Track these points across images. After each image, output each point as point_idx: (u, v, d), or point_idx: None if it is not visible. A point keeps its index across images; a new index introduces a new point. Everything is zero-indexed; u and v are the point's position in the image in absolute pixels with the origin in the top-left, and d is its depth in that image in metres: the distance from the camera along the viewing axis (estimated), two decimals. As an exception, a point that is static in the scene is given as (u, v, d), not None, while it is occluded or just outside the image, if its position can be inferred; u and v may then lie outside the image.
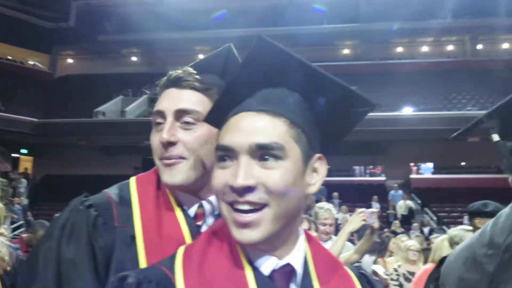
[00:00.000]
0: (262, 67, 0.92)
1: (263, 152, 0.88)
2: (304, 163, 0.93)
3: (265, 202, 0.88)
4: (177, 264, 0.94)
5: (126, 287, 0.89)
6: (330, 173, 22.72)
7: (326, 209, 3.85)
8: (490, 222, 1.20)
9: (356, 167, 23.11)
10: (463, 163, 22.64)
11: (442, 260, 1.35)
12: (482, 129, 1.24)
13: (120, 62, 29.64)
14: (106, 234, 1.14)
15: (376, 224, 3.37)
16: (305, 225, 3.32)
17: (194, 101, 1.21)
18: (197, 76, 1.23)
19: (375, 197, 17.00)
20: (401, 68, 25.34)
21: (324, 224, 3.76)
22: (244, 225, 0.88)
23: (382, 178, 21.98)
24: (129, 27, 26.42)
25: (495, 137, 1.19)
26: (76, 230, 1.14)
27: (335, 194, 16.99)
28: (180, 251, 0.98)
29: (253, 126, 0.90)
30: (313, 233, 3.36)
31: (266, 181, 0.87)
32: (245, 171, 0.87)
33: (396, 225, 14.23)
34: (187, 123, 1.19)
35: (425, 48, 29.46)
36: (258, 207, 0.88)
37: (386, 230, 12.60)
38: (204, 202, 1.23)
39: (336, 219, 5.73)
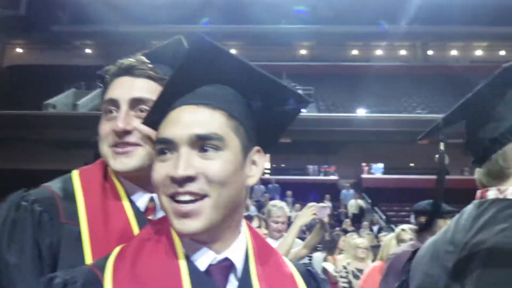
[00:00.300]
0: (201, 65, 0.94)
1: (203, 143, 0.89)
2: (243, 155, 0.95)
3: (206, 193, 0.89)
4: (109, 264, 0.93)
5: None
6: (284, 172, 23.05)
7: (279, 207, 3.88)
8: (455, 218, 1.23)
9: (310, 166, 23.47)
10: (411, 164, 23.45)
11: (414, 253, 1.38)
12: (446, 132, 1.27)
13: (73, 54, 28.68)
14: (53, 231, 1.09)
15: (326, 218, 3.42)
16: (255, 223, 3.34)
17: (150, 90, 1.19)
18: (151, 65, 1.21)
19: (328, 196, 17.31)
20: (356, 70, 25.96)
21: (277, 222, 3.79)
22: (185, 215, 0.88)
23: (335, 177, 22.42)
24: (84, 18, 25.61)
25: (442, 145, 1.21)
26: (18, 229, 1.08)
27: (289, 192, 17.19)
28: (116, 249, 0.97)
29: (193, 118, 0.91)
30: (263, 231, 3.38)
31: (206, 171, 0.88)
32: (185, 162, 0.88)
33: (347, 223, 14.57)
34: (142, 111, 1.17)
35: (379, 52, 30.27)
36: (198, 197, 0.88)
37: (337, 228, 12.87)
38: (155, 195, 1.19)
39: (289, 217, 5.81)
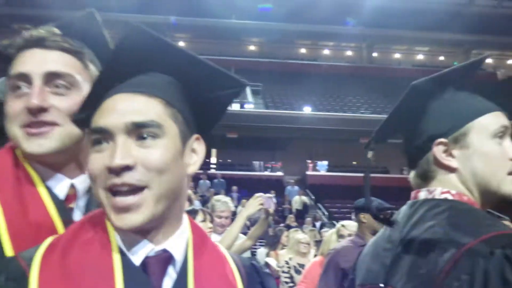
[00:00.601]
0: (135, 53, 0.91)
1: (140, 131, 0.86)
2: (183, 143, 0.92)
3: (145, 184, 0.85)
4: (37, 256, 0.87)
5: None
6: (230, 167, 23.07)
7: (223, 202, 3.87)
8: (393, 217, 1.32)
9: (256, 162, 23.63)
10: (354, 162, 24.16)
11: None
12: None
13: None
14: None
15: (271, 209, 3.42)
16: (200, 217, 3.29)
17: (66, 63, 1.09)
18: (64, 37, 1.11)
19: (273, 191, 17.49)
20: (303, 68, 26.39)
21: (220, 217, 3.77)
22: (124, 209, 0.84)
23: (280, 173, 22.70)
24: (23, 1, 24.37)
25: (370, 154, 1.32)
26: None
27: (234, 188, 17.23)
28: (47, 241, 0.91)
29: (129, 106, 0.88)
30: (208, 225, 3.34)
31: (145, 160, 0.85)
32: (122, 151, 0.84)
33: (290, 219, 14.79)
34: (58, 87, 1.07)
35: (326, 52, 30.91)
36: (137, 188, 0.84)
37: (281, 224, 13.04)
38: (76, 181, 1.12)
39: (234, 212, 5.82)
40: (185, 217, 0.99)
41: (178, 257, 0.93)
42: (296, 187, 19.15)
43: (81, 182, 1.13)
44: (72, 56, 1.11)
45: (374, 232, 3.37)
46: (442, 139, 1.20)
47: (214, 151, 25.74)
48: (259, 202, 3.29)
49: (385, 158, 17.39)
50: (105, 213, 0.88)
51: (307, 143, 23.12)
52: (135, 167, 0.84)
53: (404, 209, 1.28)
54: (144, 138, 0.86)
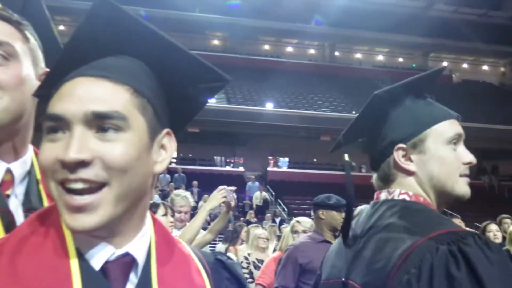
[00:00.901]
0: (103, 31, 0.80)
1: (102, 123, 0.75)
2: (150, 138, 0.82)
3: (104, 181, 0.75)
4: None
5: None
6: (191, 162, 22.91)
7: (183, 197, 3.82)
8: (357, 216, 1.40)
9: (217, 157, 23.57)
10: (314, 160, 24.50)
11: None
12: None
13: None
14: None
15: (233, 202, 3.41)
16: (161, 211, 3.24)
17: (5, 32, 0.99)
18: (3, 6, 1.03)
19: (233, 187, 17.49)
20: (266, 65, 26.50)
21: (180, 212, 3.73)
22: (78, 209, 0.74)
23: (241, 169, 22.74)
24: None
25: (346, 156, 1.38)
26: None
27: (195, 182, 17.13)
28: None
29: (90, 93, 0.77)
30: (169, 219, 3.29)
31: (104, 155, 0.74)
32: (78, 143, 0.73)
33: (251, 215, 14.85)
34: None
35: (289, 49, 31.13)
36: (94, 186, 0.74)
37: (241, 219, 13.08)
38: (13, 166, 1.01)
39: (194, 208, 5.78)
40: (148, 216, 0.90)
41: (141, 260, 0.84)
42: (256, 183, 19.23)
43: (19, 166, 1.03)
44: (10, 25, 1.01)
45: (332, 229, 3.43)
46: (401, 145, 1.27)
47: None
48: (222, 195, 3.28)
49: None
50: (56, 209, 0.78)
51: (269, 139, 23.24)
52: (93, 163, 0.74)
53: (366, 208, 1.35)
54: (105, 131, 0.76)
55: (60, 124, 0.76)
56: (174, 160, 23.18)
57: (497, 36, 27.17)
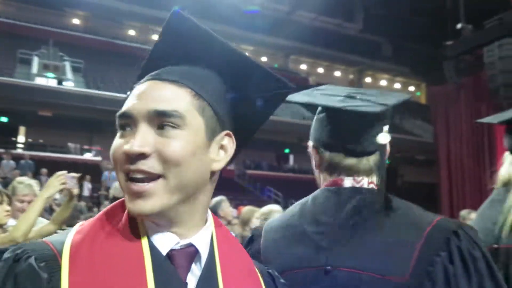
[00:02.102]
0: (177, 43, 0.92)
1: (162, 120, 0.85)
2: (208, 137, 0.90)
3: (159, 173, 0.84)
4: (67, 241, 0.86)
5: (3, 263, 0.83)
6: (41, 148, 21.12)
7: (27, 185, 3.44)
8: (306, 203, 1.36)
9: (72, 145, 22.08)
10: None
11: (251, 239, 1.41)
12: None
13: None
14: None
15: (76, 190, 3.15)
16: None
17: None
18: None
19: (88, 177, 16.57)
20: (131, 51, 25.44)
21: (22, 201, 3.36)
22: (137, 195, 0.84)
23: (98, 158, 21.62)
24: None
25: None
26: None
27: (44, 170, 15.73)
28: (75, 227, 0.91)
29: (155, 93, 0.87)
30: (5, 208, 2.96)
31: (161, 150, 0.84)
32: (141, 138, 0.83)
33: (105, 206, 14.23)
34: None
35: (155, 37, 30.37)
36: (151, 177, 0.84)
37: (95, 210, 12.44)
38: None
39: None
40: (210, 214, 0.98)
41: (203, 253, 0.91)
42: (114, 173, 18.43)
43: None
44: None
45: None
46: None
47: (22, 129, 23.30)
48: (61, 181, 3.01)
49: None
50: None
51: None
52: (151, 156, 0.84)
53: (324, 195, 1.32)
54: (164, 128, 0.85)
55: (129, 121, 0.87)
56: (21, 146, 21.22)
57: (349, 46, 29.85)
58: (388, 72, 34.11)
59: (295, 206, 1.40)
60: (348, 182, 1.31)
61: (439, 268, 1.13)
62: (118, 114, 0.89)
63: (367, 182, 1.31)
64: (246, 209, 5.08)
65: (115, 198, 16.47)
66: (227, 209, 5.23)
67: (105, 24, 27.31)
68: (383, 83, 35.60)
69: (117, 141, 0.88)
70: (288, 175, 25.82)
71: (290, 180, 23.83)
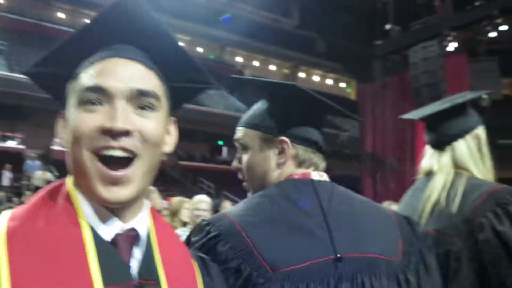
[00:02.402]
0: (124, 21, 0.90)
1: (141, 100, 0.86)
2: (167, 121, 0.94)
3: (138, 152, 0.85)
4: (1, 229, 0.81)
5: None
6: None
7: None
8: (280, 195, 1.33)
9: (-9, 131, 20.77)
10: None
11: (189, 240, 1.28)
12: None
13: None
14: None
15: None
16: None
17: None
18: None
19: (9, 165, 15.68)
20: (60, 35, 24.22)
21: None
22: (114, 182, 0.83)
23: (20, 146, 20.47)
24: None
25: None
26: None
27: (-40, 158, 14.76)
28: (5, 213, 0.86)
29: (133, 73, 0.88)
30: None
31: (142, 129, 0.85)
32: (123, 115, 0.83)
33: (27, 196, 13.55)
34: None
35: (86, 21, 29.14)
36: (130, 155, 0.84)
37: (15, 200, 11.88)
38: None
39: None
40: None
41: (144, 235, 0.91)
42: (37, 162, 17.55)
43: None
44: None
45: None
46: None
47: None
48: None
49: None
50: (80, 181, 0.85)
51: (56, 114, 21.44)
52: (133, 134, 0.84)
53: (299, 187, 1.34)
54: (143, 108, 0.86)
55: (100, 97, 0.84)
56: None
57: (285, 41, 30.28)
58: (321, 68, 34.95)
59: (262, 199, 1.32)
60: (315, 175, 1.39)
61: (415, 249, 1.34)
62: (88, 86, 0.85)
63: (326, 176, 1.42)
64: (175, 199, 5.07)
65: (37, 188, 15.75)
66: (156, 199, 5.20)
67: (32, 4, 25.80)
68: (316, 78, 36.47)
69: (84, 115, 0.84)
70: (221, 167, 25.85)
71: (223, 172, 23.87)
